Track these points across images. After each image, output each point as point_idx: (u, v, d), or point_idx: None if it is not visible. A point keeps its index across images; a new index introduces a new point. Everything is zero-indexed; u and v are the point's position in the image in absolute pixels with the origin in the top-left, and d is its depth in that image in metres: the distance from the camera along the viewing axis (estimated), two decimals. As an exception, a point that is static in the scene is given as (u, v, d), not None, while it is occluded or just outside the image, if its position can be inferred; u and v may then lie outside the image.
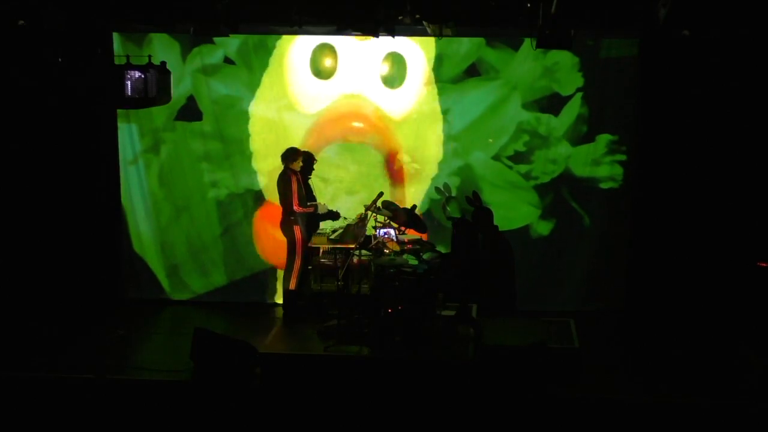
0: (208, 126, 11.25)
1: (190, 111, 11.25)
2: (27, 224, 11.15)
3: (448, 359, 9.14)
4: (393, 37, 9.99)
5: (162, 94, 9.55)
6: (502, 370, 8.74)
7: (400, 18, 9.44)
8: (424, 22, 9.55)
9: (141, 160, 11.40)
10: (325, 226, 10.92)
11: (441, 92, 11.09)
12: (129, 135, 11.35)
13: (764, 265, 10.36)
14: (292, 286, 10.65)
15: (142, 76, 9.25)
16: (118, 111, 11.25)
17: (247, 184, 11.36)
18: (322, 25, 10.14)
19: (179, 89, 10.99)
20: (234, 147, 11.28)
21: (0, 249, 11.07)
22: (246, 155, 11.29)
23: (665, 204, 10.79)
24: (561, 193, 11.07)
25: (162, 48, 10.99)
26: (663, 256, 10.83)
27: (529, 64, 10.91)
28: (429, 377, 8.93)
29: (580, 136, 10.97)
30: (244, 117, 11.23)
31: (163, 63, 9.64)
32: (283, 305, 10.83)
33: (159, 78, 9.40)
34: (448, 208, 10.41)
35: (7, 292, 10.97)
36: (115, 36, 11.07)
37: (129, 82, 9.23)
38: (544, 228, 11.17)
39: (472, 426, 8.37)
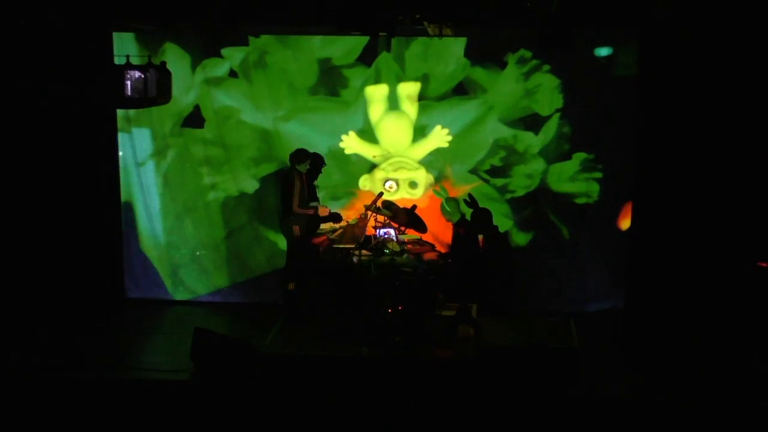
0: (210, 133, 11.51)
1: (195, 119, 11.51)
2: (27, 224, 11.14)
3: (448, 359, 9.13)
4: (393, 37, 9.99)
5: (162, 94, 9.54)
6: (502, 370, 8.75)
7: (400, 18, 9.44)
8: (424, 22, 9.55)
9: (151, 162, 11.63)
10: (325, 226, 10.95)
11: (424, 109, 11.28)
12: (140, 138, 11.57)
13: (764, 265, 10.35)
14: (292, 286, 10.64)
15: (142, 76, 9.25)
16: (132, 113, 11.40)
17: (243, 188, 11.56)
18: (322, 25, 10.14)
19: (188, 98, 11.33)
20: (232, 153, 11.51)
21: (2, 248, 11.07)
22: (243, 161, 11.51)
23: (666, 204, 10.78)
24: (538, 206, 11.31)
25: (174, 59, 11.17)
26: (663, 256, 10.81)
27: (511, 86, 11.13)
28: (429, 377, 8.93)
29: (556, 154, 11.19)
30: (243, 126, 11.47)
31: (163, 63, 9.62)
32: (283, 305, 10.82)
33: (159, 78, 9.40)
34: (448, 209, 10.41)
35: (9, 291, 10.96)
36: (130, 38, 11.16)
37: (129, 82, 9.23)
38: (521, 239, 11.37)
39: (471, 426, 8.37)
